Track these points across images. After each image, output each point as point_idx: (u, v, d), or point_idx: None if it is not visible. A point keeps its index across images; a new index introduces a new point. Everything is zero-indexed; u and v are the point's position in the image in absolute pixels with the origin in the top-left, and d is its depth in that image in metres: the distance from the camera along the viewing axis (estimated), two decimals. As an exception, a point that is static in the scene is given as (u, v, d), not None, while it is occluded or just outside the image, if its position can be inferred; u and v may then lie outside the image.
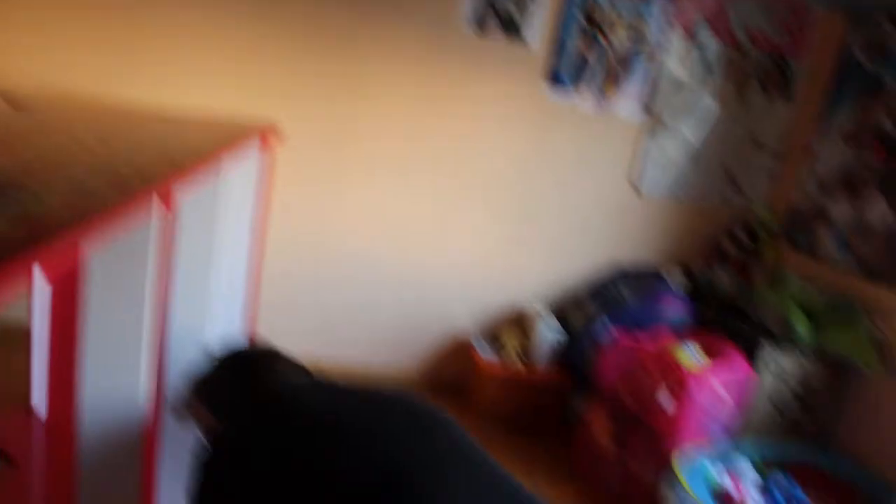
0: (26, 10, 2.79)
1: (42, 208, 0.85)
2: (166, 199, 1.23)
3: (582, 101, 3.11)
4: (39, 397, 2.46)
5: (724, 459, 2.43)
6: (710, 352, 2.57)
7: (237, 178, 2.07)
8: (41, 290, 1.84)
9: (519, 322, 3.25)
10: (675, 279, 3.12)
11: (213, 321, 2.15)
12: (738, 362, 2.52)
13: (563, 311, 3.21)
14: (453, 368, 3.30)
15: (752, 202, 3.33)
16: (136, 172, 1.13)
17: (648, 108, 3.15)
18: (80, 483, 1.33)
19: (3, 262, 0.67)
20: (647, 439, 2.45)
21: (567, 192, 3.22)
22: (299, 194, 3.05)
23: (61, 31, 2.81)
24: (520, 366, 3.04)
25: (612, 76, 3.09)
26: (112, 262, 1.21)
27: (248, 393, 1.37)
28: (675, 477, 2.25)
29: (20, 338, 2.50)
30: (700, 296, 3.09)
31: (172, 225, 1.70)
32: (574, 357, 2.97)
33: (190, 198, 1.65)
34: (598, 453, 2.64)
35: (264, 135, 2.20)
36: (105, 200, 0.92)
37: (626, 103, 3.14)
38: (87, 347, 1.25)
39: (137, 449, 1.32)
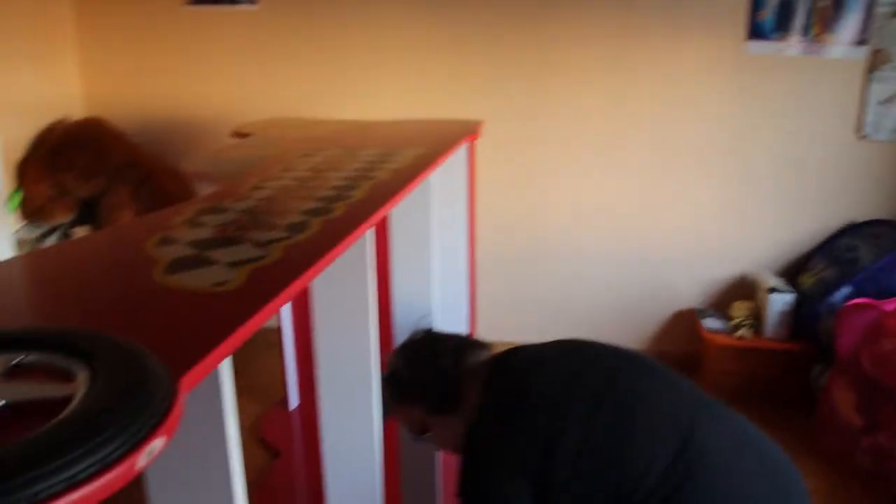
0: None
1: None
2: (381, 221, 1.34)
3: (789, 49, 2.87)
4: (293, 393, 2.77)
5: None
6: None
7: (448, 177, 2.17)
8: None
9: (747, 291, 3.09)
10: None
11: (436, 315, 2.29)
12: None
13: (795, 277, 3.01)
14: (680, 344, 3.22)
15: None
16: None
17: (867, 42, 2.83)
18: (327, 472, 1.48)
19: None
20: (899, 413, 2.24)
21: (785, 146, 3.00)
22: (506, 184, 3.14)
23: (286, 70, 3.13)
24: (750, 336, 2.90)
25: (821, 16, 2.82)
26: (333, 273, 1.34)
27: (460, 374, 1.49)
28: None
29: (270, 340, 2.82)
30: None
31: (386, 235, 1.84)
32: (810, 325, 2.78)
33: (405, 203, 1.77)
34: (844, 427, 2.47)
35: (472, 132, 2.29)
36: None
37: (841, 42, 2.85)
38: (322, 349, 1.39)
39: (375, 440, 1.45)
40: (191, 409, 0.88)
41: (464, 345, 1.56)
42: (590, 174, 3.10)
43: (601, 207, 3.13)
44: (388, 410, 1.51)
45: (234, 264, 0.96)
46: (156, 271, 0.94)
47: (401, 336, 1.91)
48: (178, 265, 0.96)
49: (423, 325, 1.66)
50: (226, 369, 0.87)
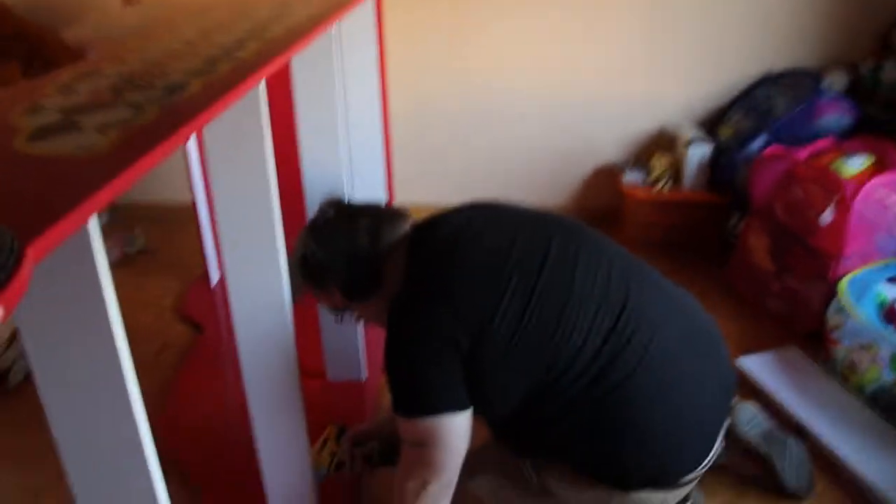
0: None
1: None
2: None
3: None
4: (213, 268, 2.71)
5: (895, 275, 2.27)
6: (878, 159, 2.34)
7: (354, 31, 2.05)
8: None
9: (667, 144, 3.11)
10: (837, 81, 2.81)
11: (351, 175, 2.22)
12: (911, 166, 2.29)
13: (713, 128, 3.02)
14: (602, 199, 3.25)
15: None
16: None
17: None
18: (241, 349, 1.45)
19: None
20: (808, 256, 2.32)
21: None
22: (424, 40, 3.01)
23: None
24: (669, 189, 2.93)
25: None
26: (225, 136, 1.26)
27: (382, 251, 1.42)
28: (840, 295, 2.14)
29: (185, 216, 2.73)
30: (865, 97, 2.77)
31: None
32: (726, 175, 2.82)
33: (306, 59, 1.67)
34: (757, 273, 2.56)
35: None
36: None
37: None
38: (223, 221, 1.33)
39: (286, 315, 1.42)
40: (62, 277, 0.83)
41: (380, 218, 1.45)
42: (510, 29, 2.99)
43: (521, 64, 3.04)
44: (301, 291, 1.44)
45: (103, 127, 0.88)
46: (17, 140, 0.85)
47: (313, 202, 1.85)
48: (43, 132, 0.87)
49: (334, 198, 1.53)
50: (94, 233, 0.81)
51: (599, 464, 1.31)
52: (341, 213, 1.48)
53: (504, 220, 1.41)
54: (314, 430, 1.81)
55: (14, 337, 2.26)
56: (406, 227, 1.46)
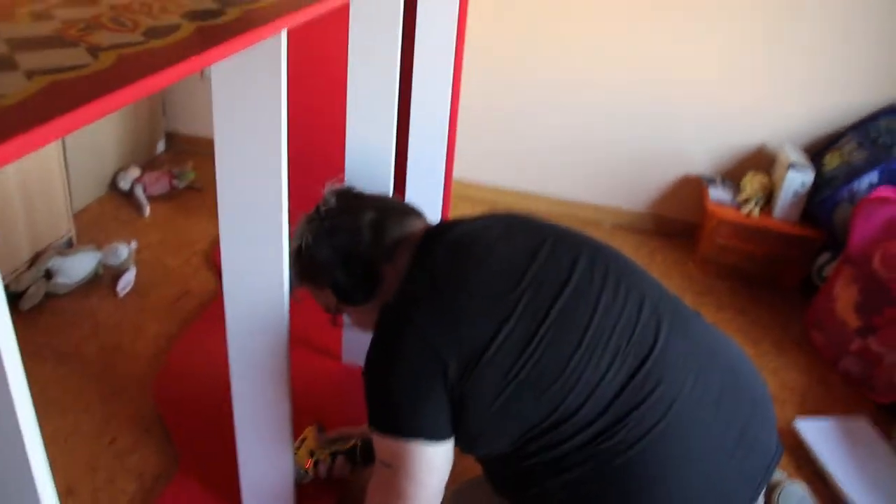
0: None
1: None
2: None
3: None
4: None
5: None
6: None
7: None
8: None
9: (764, 164, 2.80)
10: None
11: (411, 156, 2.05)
12: None
13: (819, 155, 2.69)
14: (684, 212, 2.96)
15: None
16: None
17: None
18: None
19: None
20: (900, 320, 2.03)
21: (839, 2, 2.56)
22: (505, 16, 2.78)
23: None
24: (758, 214, 2.64)
25: None
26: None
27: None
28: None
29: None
30: None
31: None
32: (825, 209, 2.51)
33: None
34: (837, 326, 2.27)
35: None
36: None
37: None
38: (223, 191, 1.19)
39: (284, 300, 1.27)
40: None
41: (387, 213, 1.29)
42: (606, 14, 2.72)
43: (613, 53, 2.77)
44: (296, 284, 1.30)
45: (36, 73, 0.73)
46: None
47: (353, 171, 1.69)
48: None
49: (338, 187, 1.37)
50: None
51: None
52: (345, 204, 1.31)
53: (528, 232, 1.23)
54: (321, 413, 1.68)
55: (35, 259, 2.19)
56: (416, 226, 1.29)
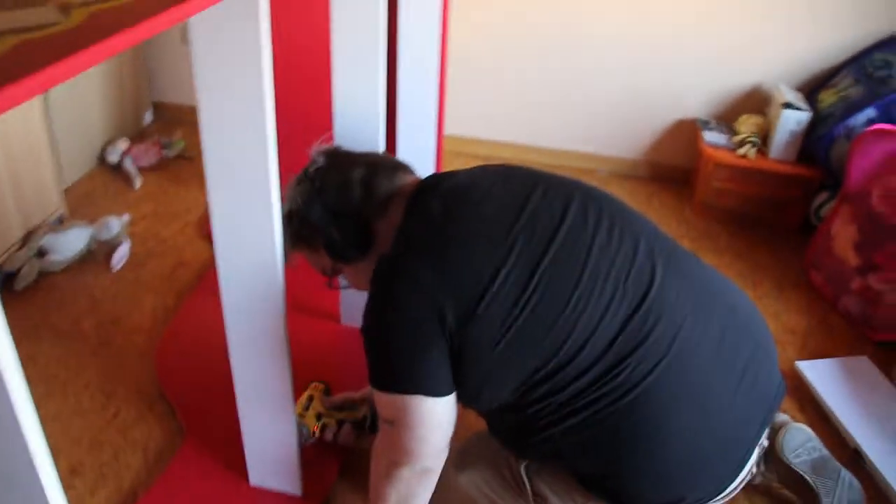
0: None
1: None
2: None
3: None
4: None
5: None
6: None
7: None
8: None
9: (759, 104, 2.77)
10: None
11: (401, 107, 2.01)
12: None
13: (814, 93, 2.66)
14: (678, 156, 2.94)
15: None
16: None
17: None
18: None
19: None
20: (901, 256, 2.02)
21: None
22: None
23: None
24: (754, 155, 2.62)
25: None
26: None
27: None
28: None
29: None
30: None
31: None
32: (821, 148, 2.48)
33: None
34: (836, 265, 2.25)
35: None
36: None
37: None
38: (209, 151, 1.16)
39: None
40: None
41: (377, 168, 1.27)
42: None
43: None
44: (290, 249, 1.27)
45: (5, 33, 0.70)
46: None
47: (343, 129, 1.66)
48: None
49: (325, 147, 1.34)
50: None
51: (597, 479, 1.13)
52: (334, 163, 1.29)
53: (519, 179, 1.21)
54: (323, 376, 1.67)
55: (27, 238, 2.16)
56: (407, 180, 1.28)
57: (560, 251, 1.08)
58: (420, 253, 1.12)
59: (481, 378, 1.11)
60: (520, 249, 1.08)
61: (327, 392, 1.60)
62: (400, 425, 1.12)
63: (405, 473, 1.15)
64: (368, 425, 1.53)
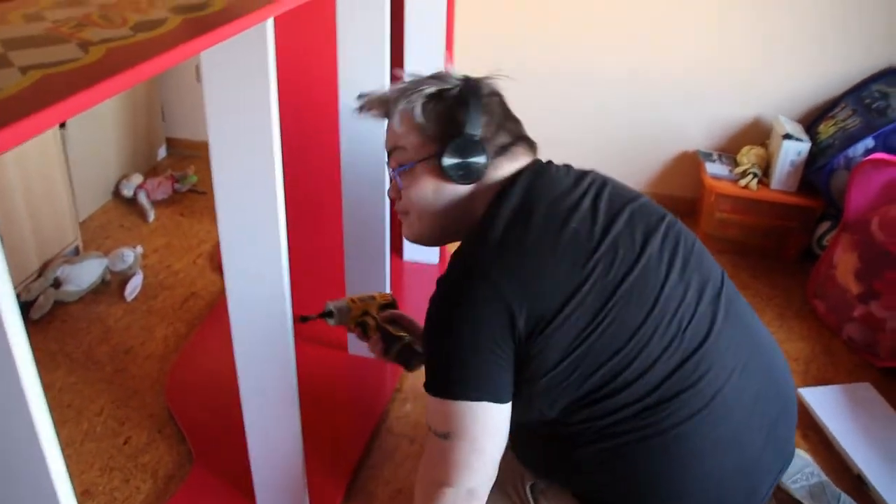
0: None
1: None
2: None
3: None
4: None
5: None
6: None
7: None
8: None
9: (760, 136, 2.81)
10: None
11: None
12: None
13: (814, 125, 2.70)
14: (681, 188, 2.98)
15: None
16: None
17: None
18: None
19: None
20: (901, 284, 2.04)
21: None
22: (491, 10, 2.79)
23: None
24: (756, 186, 2.65)
25: None
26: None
27: None
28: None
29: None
30: None
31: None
32: (822, 178, 2.51)
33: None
34: (838, 294, 2.28)
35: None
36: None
37: None
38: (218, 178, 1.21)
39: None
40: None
41: (520, 135, 1.35)
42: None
43: (605, 34, 2.78)
44: (402, 119, 1.25)
45: (30, 68, 0.75)
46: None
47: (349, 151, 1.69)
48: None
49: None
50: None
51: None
52: (496, 95, 1.36)
53: (607, 198, 1.22)
54: (329, 404, 1.69)
55: (43, 269, 2.22)
56: (528, 158, 1.34)
57: (634, 285, 1.09)
58: (505, 256, 1.09)
59: (535, 393, 1.09)
60: (597, 276, 1.07)
61: (392, 305, 1.54)
62: (457, 436, 1.06)
63: (449, 495, 1.07)
64: (401, 350, 1.47)
